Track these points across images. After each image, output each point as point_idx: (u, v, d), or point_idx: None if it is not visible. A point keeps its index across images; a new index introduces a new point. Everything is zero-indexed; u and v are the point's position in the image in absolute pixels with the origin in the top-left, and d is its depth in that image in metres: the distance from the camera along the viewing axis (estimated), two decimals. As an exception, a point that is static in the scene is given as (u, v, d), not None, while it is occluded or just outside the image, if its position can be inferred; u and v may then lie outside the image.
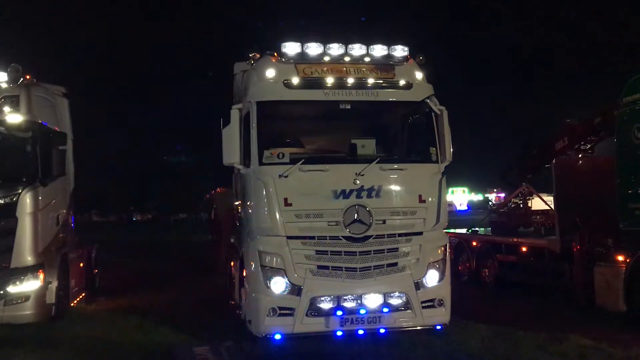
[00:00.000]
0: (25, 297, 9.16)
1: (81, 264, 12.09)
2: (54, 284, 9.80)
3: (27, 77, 9.76)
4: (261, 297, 7.79)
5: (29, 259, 9.25)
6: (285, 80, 8.03)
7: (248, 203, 8.38)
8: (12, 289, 9.08)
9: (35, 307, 9.28)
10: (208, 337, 8.82)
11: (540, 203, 13.91)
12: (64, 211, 10.86)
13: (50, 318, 9.68)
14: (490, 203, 20.78)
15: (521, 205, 14.10)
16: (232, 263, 10.92)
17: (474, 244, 13.75)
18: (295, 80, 8.05)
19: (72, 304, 11.14)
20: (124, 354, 8.14)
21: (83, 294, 12.14)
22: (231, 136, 8.03)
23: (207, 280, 14.28)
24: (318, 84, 8.08)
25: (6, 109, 9.26)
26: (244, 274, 8.54)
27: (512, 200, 14.52)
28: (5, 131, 9.24)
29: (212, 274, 14.62)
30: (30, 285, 9.20)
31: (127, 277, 15.91)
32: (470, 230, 14.92)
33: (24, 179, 9.31)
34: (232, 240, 12.51)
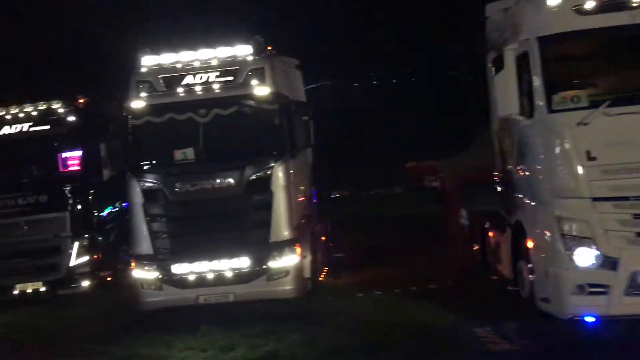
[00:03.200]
0: (285, 272, 8.95)
1: (323, 238, 11.87)
2: (308, 258, 9.57)
3: (269, 48, 9.52)
4: (563, 272, 6.51)
5: (286, 234, 9.02)
6: (575, 5, 6.59)
7: (533, 160, 7.10)
8: (273, 264, 8.93)
9: (295, 282, 9.05)
10: (482, 316, 7.82)
11: None
12: (308, 184, 10.61)
13: (307, 293, 9.46)
14: None
15: None
16: (490, 234, 9.77)
17: None
18: (589, 4, 6.55)
19: (319, 279, 10.93)
20: (399, 334, 7.47)
21: (326, 268, 11.94)
22: (508, 83, 6.89)
23: (444, 253, 13.29)
24: (620, 5, 6.52)
25: (254, 82, 9.05)
26: (529, 245, 7.29)
27: None
28: (255, 105, 9.05)
29: (448, 247, 13.65)
30: (289, 260, 8.98)
31: (358, 250, 15.58)
32: None
33: (275, 152, 9.07)
34: (463, 210, 11.39)
